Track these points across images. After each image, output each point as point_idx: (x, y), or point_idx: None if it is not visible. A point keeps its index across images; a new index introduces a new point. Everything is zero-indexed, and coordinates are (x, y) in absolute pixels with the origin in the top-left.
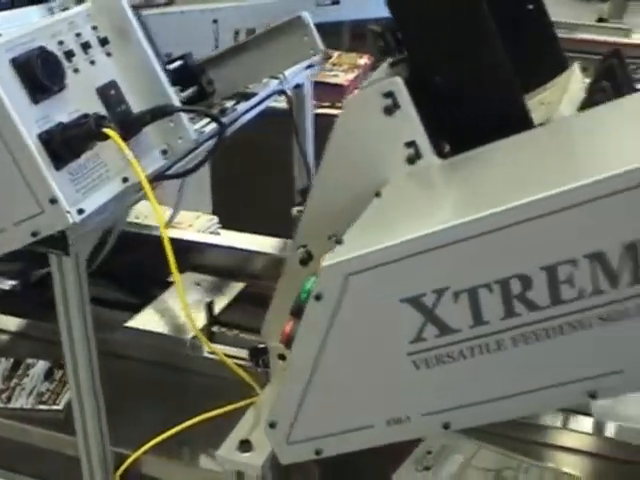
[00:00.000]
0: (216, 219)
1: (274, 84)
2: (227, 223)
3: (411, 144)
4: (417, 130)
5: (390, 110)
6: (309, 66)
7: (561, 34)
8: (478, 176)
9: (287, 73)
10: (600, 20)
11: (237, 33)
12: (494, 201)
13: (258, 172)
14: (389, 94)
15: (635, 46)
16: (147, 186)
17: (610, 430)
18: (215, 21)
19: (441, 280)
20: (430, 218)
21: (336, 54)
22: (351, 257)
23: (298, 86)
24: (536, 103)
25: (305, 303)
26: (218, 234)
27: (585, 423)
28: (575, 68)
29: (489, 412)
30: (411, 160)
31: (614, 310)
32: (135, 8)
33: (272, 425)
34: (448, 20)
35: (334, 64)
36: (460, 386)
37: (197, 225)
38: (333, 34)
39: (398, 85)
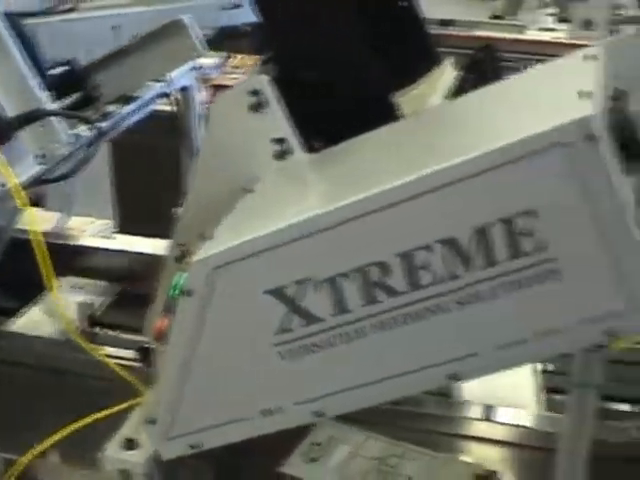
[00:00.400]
0: (111, 223)
1: (158, 87)
2: (131, 227)
3: (279, 140)
4: (285, 127)
5: (256, 107)
6: (195, 68)
7: (457, 31)
8: (342, 168)
9: (173, 75)
10: (495, 17)
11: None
12: (351, 192)
13: (163, 175)
14: (255, 92)
15: (529, 42)
16: (19, 191)
17: (505, 416)
18: (114, 27)
19: (302, 271)
20: (292, 211)
21: (239, 57)
22: (216, 251)
23: (185, 88)
24: (409, 98)
25: (175, 299)
26: (113, 238)
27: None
28: (447, 64)
29: (359, 398)
30: (280, 156)
31: (469, 293)
32: (14, 15)
33: (151, 422)
34: (313, 18)
35: (236, 67)
36: (329, 374)
37: (91, 230)
38: (236, 37)
39: (263, 83)
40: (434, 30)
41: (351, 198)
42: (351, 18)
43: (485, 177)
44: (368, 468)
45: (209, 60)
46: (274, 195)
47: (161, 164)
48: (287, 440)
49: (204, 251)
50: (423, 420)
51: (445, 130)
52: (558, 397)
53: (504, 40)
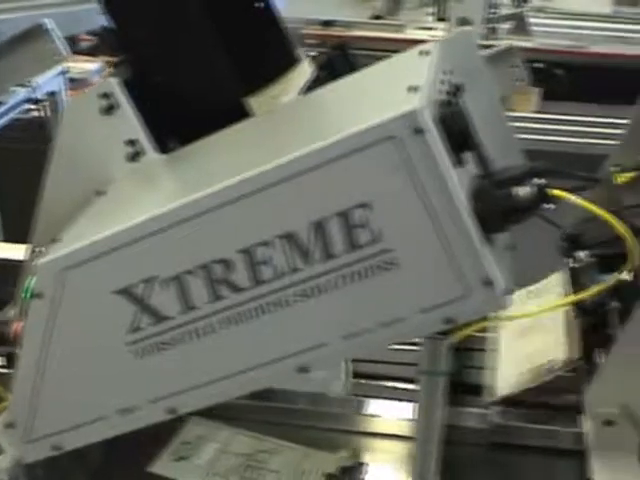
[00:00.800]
0: None
1: (23, 92)
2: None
3: (131, 142)
4: (136, 128)
5: (108, 110)
6: (64, 72)
7: (337, 32)
8: (190, 168)
9: (39, 81)
10: (376, 17)
11: None
12: (193, 190)
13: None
14: (105, 95)
15: (409, 41)
16: None
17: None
18: None
19: (148, 269)
20: (139, 211)
21: None
22: (63, 253)
23: (53, 93)
24: (265, 98)
25: (27, 302)
26: None
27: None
28: (306, 63)
29: (211, 394)
30: (132, 158)
31: (311, 286)
32: None
33: (10, 425)
34: (161, 19)
35: None
36: (180, 371)
37: None
38: None
39: (113, 85)
40: (316, 31)
41: (190, 197)
42: (199, 19)
43: (319, 172)
44: (236, 464)
45: (90, 65)
46: (125, 196)
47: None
48: (160, 439)
49: (51, 253)
50: (293, 415)
51: (284, 128)
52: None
53: (383, 39)
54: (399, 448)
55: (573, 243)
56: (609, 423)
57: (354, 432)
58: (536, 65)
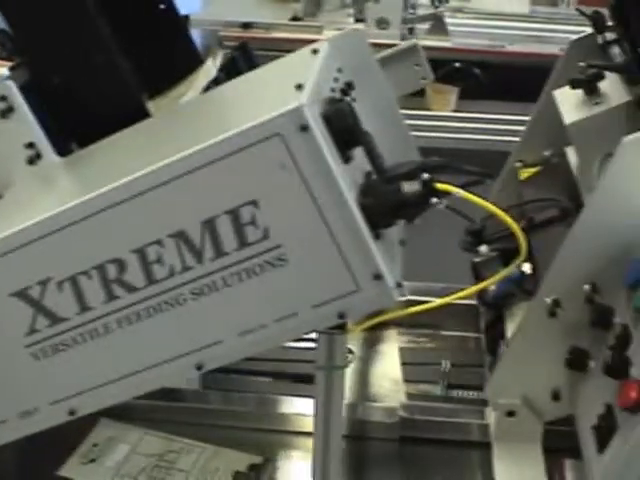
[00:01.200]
0: None
1: None
2: None
3: (30, 145)
4: (34, 131)
5: (4, 114)
6: None
7: (256, 33)
8: (86, 169)
9: None
10: (295, 19)
11: None
12: (87, 191)
13: None
14: (2, 98)
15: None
16: None
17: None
18: None
19: (43, 271)
20: (34, 213)
21: None
22: None
23: None
24: (169, 99)
25: None
26: None
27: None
28: (210, 64)
29: (112, 394)
30: (32, 161)
31: (204, 284)
32: None
33: None
34: (58, 22)
35: None
36: (79, 372)
37: None
38: None
39: (10, 89)
40: (235, 33)
41: (82, 198)
42: (96, 21)
43: (207, 170)
44: (146, 465)
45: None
46: (21, 199)
47: None
48: (70, 443)
49: None
50: (204, 415)
51: (177, 128)
52: None
53: (302, 41)
54: (308, 445)
55: (476, 238)
56: (511, 414)
57: (263, 430)
58: (454, 65)
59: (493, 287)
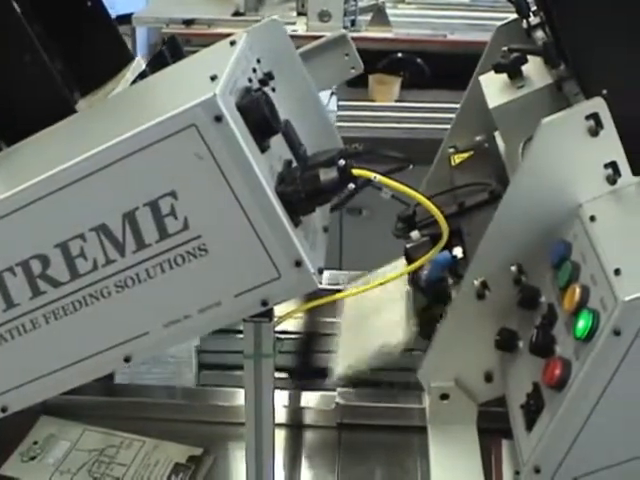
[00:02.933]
0: None
1: None
2: None
3: None
4: None
5: None
6: None
7: (199, 30)
8: (10, 167)
9: None
10: (237, 14)
11: None
12: (7, 188)
13: None
14: None
15: None
16: None
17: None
18: None
19: None
20: None
21: None
22: None
23: None
24: (101, 95)
25: None
26: None
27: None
28: (139, 59)
29: (42, 389)
30: None
31: (128, 277)
32: None
33: None
34: None
35: None
36: (8, 369)
37: None
38: None
39: None
40: (178, 30)
41: (2, 195)
42: (23, 21)
43: (125, 163)
44: (87, 460)
45: None
46: None
47: None
48: (10, 441)
49: None
50: (144, 409)
51: (98, 122)
52: None
53: None
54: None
55: (407, 224)
56: (444, 397)
57: (203, 422)
58: (396, 55)
59: (426, 272)
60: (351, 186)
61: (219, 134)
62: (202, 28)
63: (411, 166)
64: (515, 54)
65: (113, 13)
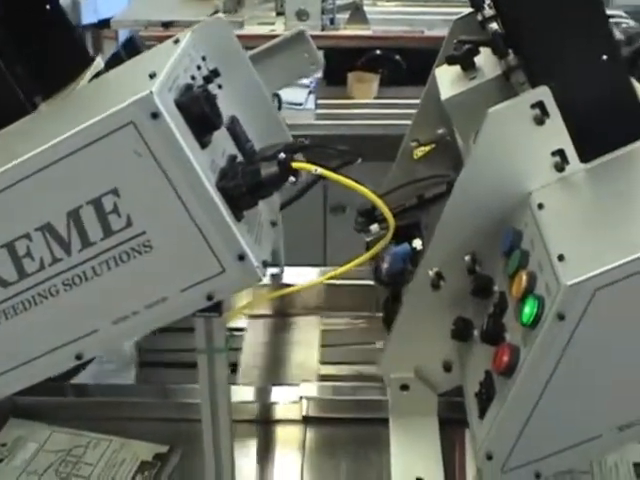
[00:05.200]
0: None
1: None
2: None
3: None
4: None
5: None
6: None
7: (178, 31)
8: None
9: None
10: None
11: None
12: None
13: None
14: None
15: (249, 37)
16: None
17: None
18: None
19: None
20: None
21: None
22: None
23: None
24: (61, 97)
25: None
26: None
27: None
28: (99, 60)
29: None
30: None
31: (75, 274)
32: None
33: None
34: None
35: None
36: None
37: None
38: None
39: None
40: (157, 33)
41: None
42: None
43: (67, 162)
44: (54, 461)
45: None
46: None
47: None
48: None
49: None
50: (110, 408)
51: (44, 123)
52: None
53: None
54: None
55: (367, 217)
56: (404, 388)
57: (169, 419)
58: (374, 52)
59: (386, 265)
60: (292, 179)
61: (157, 131)
62: (181, 30)
63: (359, 160)
64: (467, 46)
65: (96, 17)
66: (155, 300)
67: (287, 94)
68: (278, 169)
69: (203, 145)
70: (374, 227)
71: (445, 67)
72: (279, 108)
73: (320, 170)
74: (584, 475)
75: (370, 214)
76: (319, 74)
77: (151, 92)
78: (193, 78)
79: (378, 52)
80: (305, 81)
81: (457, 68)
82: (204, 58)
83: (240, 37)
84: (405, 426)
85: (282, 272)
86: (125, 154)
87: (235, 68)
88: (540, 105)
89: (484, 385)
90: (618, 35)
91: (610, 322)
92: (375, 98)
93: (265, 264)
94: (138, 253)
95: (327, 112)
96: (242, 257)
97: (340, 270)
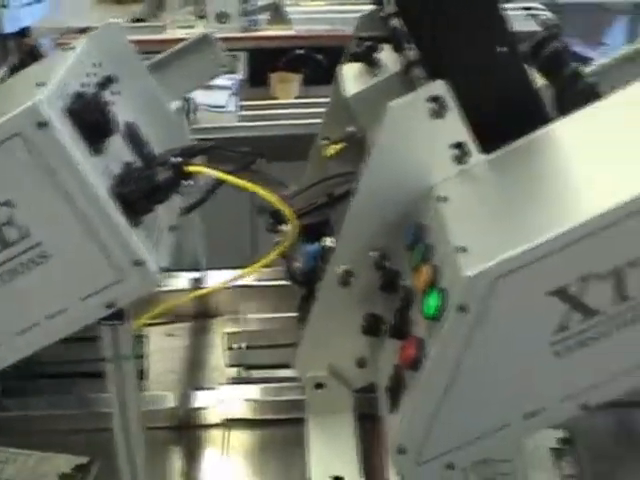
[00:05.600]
0: None
1: None
2: None
3: None
4: None
5: None
6: None
7: None
8: None
9: None
10: (136, 20)
11: None
12: None
13: None
14: None
15: (170, 41)
16: None
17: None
18: None
19: None
20: None
21: None
22: None
23: None
24: None
25: None
26: None
27: None
28: (5, 70)
29: None
30: None
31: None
32: None
33: None
34: None
35: None
36: None
37: None
38: None
39: None
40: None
41: None
42: None
43: None
44: None
45: None
46: None
47: None
48: None
49: None
50: (28, 422)
51: None
52: None
53: (144, 42)
54: None
55: (276, 218)
56: (319, 386)
57: (88, 430)
58: (295, 52)
59: (299, 264)
60: (189, 183)
61: (45, 140)
62: None
63: (262, 161)
64: (367, 43)
65: (17, 25)
66: (55, 311)
67: (208, 97)
68: (172, 173)
69: (97, 151)
70: (283, 227)
71: (350, 64)
72: (189, 112)
73: (214, 173)
74: (504, 463)
75: (279, 214)
76: (241, 76)
77: (37, 102)
78: (86, 85)
79: (299, 52)
80: (226, 83)
81: (361, 65)
82: (100, 64)
83: (162, 41)
84: (322, 425)
85: (204, 276)
86: (15, 165)
87: (131, 74)
88: (436, 99)
89: (393, 379)
90: (534, 27)
91: (513, 311)
92: (297, 98)
93: (164, 270)
94: (36, 264)
95: (250, 114)
96: (140, 263)
97: (244, 271)
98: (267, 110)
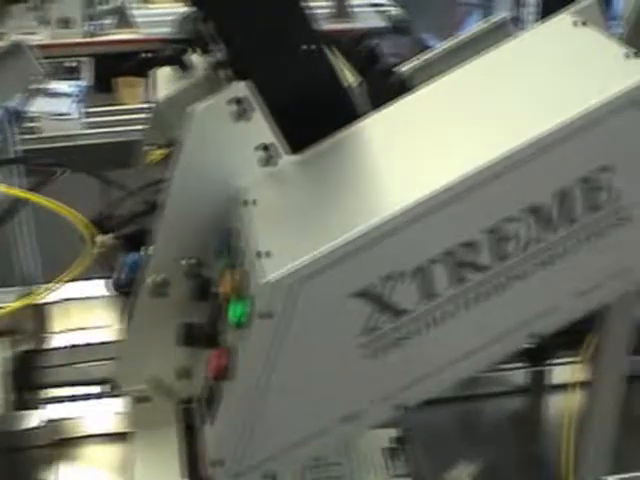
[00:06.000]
0: None
1: None
2: None
3: None
4: None
5: None
6: None
7: None
8: None
9: None
10: None
11: None
12: None
13: None
14: None
15: None
16: None
17: None
18: None
19: None
20: None
21: None
22: None
23: None
24: None
25: None
26: None
27: None
28: None
29: None
30: None
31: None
32: None
33: None
34: None
35: None
36: None
37: None
38: None
39: None
40: None
41: None
42: None
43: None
44: None
45: None
46: None
47: None
48: None
49: None
50: None
51: None
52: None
53: None
54: None
55: (98, 229)
56: (141, 400)
57: None
58: (139, 56)
59: (122, 275)
60: None
61: None
62: None
63: (67, 172)
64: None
65: None
66: None
67: (50, 105)
68: None
69: None
70: (99, 239)
71: (162, 69)
72: (12, 121)
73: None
74: (334, 466)
75: (100, 225)
76: (86, 82)
77: None
78: None
79: (143, 55)
80: (69, 90)
81: (173, 68)
82: None
83: None
84: (145, 439)
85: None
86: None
87: None
88: (240, 101)
89: (208, 390)
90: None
91: (319, 314)
92: (142, 102)
93: None
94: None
95: (95, 120)
96: None
97: (48, 286)
98: (114, 116)
